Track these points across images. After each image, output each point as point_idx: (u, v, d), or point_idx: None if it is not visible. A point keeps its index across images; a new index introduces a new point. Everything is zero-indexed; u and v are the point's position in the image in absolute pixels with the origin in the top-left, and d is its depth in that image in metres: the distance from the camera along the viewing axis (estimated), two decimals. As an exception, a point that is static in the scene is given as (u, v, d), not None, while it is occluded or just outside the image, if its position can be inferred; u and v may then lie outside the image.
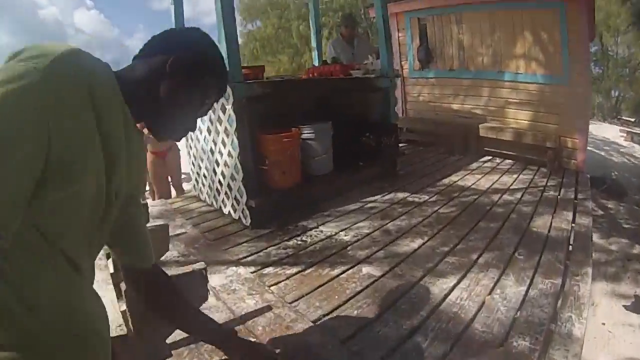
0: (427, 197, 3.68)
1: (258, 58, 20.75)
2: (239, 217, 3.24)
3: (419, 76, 6.93)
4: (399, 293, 2.09)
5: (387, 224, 3.06)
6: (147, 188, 5.19)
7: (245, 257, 2.62)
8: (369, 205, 3.53)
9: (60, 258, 0.78)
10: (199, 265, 1.71)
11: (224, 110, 3.05)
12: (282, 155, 3.22)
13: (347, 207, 3.45)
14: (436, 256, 2.50)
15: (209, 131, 3.41)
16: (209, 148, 3.49)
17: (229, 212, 3.39)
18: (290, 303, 2.03)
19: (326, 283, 2.22)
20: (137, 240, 1.11)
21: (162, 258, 2.61)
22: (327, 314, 1.93)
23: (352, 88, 4.19)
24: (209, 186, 3.69)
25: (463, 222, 3.06)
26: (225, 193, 3.38)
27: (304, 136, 3.52)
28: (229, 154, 3.14)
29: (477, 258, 2.47)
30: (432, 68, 6.70)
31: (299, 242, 2.81)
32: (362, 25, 16.06)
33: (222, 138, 3.18)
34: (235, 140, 2.99)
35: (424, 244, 2.70)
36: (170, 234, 3.13)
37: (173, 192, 4.82)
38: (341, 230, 2.98)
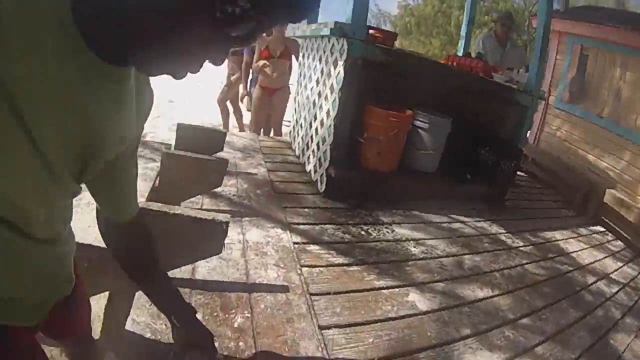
0: (521, 244, 3.05)
1: (410, 34, 20.00)
2: (316, 181, 3.01)
3: (564, 109, 5.81)
4: (429, 343, 1.69)
5: (464, 255, 2.58)
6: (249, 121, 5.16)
7: (298, 224, 2.40)
8: (457, 225, 3.03)
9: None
10: (223, 217, 1.51)
11: (335, 65, 2.77)
12: (383, 133, 2.85)
13: (432, 217, 3.01)
14: (495, 319, 2.00)
15: (317, 82, 3.18)
16: (312, 99, 3.26)
17: (310, 171, 3.18)
18: (310, 295, 1.77)
19: (362, 291, 1.90)
20: (119, 193, 0.89)
21: (218, 190, 2.49)
22: (340, 327, 1.63)
23: (488, 92, 3.55)
24: (302, 138, 3.50)
25: (544, 293, 2.44)
26: (313, 151, 3.16)
27: (416, 123, 3.11)
28: (327, 113, 2.88)
29: (535, 345, 1.91)
30: (581, 106, 5.56)
31: (362, 232, 2.50)
32: (523, 37, 14.51)
33: (327, 94, 2.92)
34: (337, 101, 2.71)
35: (490, 297, 2.19)
36: (242, 171, 3.02)
37: (272, 132, 4.77)
38: (413, 240, 2.57)
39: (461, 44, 5.03)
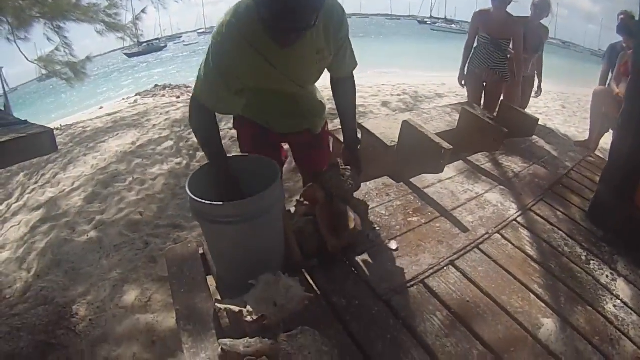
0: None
1: None
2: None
3: None
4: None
5: None
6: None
7: (535, 214, 2.45)
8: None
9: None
10: (447, 145, 2.05)
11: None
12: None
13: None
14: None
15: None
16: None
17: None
18: (475, 247, 2.08)
19: (510, 287, 1.87)
20: (338, 64, 1.75)
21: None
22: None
23: None
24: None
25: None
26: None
27: None
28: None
29: None
30: None
31: (583, 256, 2.17)
32: None
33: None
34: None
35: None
36: (540, 157, 3.21)
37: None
38: (620, 300, 1.89)
39: None
